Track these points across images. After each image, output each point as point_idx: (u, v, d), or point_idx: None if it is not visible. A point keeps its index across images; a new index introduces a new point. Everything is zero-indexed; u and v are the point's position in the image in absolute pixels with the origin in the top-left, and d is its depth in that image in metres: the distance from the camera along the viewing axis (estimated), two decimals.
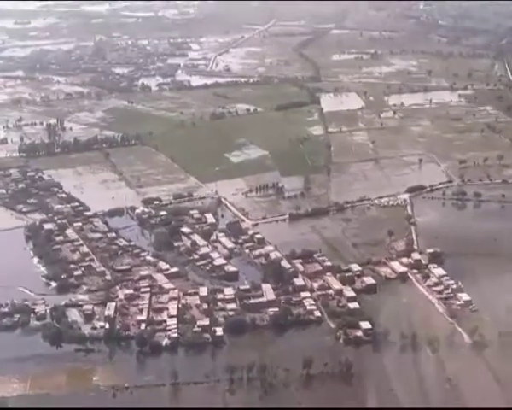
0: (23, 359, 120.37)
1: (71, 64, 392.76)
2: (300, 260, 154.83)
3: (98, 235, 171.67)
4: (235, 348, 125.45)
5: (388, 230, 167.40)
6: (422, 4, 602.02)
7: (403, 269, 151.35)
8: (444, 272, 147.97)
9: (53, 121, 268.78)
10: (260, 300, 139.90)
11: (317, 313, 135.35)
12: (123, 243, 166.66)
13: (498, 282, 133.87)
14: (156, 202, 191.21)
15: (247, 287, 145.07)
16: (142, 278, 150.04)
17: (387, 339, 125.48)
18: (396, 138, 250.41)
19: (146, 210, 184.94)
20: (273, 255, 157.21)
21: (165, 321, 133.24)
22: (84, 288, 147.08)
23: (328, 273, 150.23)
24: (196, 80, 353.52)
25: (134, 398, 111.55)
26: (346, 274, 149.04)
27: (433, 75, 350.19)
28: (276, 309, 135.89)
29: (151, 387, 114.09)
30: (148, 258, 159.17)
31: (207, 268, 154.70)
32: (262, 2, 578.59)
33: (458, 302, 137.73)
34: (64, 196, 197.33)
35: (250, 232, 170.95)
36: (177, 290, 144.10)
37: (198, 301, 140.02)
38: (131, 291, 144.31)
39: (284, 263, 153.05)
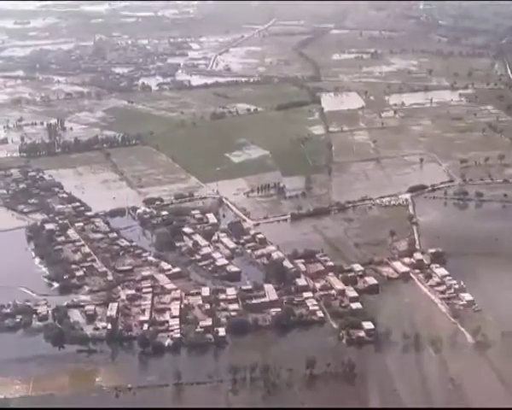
0: (25, 360, 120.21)
1: (71, 64, 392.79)
2: (302, 261, 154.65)
3: (100, 235, 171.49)
4: (237, 348, 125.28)
5: (390, 230, 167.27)
6: (422, 4, 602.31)
7: (405, 269, 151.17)
8: (446, 272, 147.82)
9: (53, 121, 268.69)
10: (262, 300, 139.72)
11: (320, 314, 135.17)
12: (124, 243, 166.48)
13: (501, 281, 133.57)
14: (157, 202, 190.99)
15: (250, 287, 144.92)
16: (144, 278, 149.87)
17: (390, 339, 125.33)
18: (397, 138, 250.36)
19: (147, 210, 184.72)
20: (275, 255, 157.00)
21: (167, 322, 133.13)
22: (86, 288, 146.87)
23: (330, 273, 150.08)
24: (196, 80, 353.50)
25: (137, 399, 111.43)
26: (349, 274, 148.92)
27: (433, 74, 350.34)
28: (279, 309, 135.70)
29: (154, 387, 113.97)
30: (150, 258, 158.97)
31: (209, 268, 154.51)
32: (262, 2, 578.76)
33: (461, 302, 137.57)
34: (65, 196, 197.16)
35: (252, 232, 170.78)
36: (179, 291, 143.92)
37: (200, 302, 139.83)
38: (133, 292, 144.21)
39: (286, 263, 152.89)
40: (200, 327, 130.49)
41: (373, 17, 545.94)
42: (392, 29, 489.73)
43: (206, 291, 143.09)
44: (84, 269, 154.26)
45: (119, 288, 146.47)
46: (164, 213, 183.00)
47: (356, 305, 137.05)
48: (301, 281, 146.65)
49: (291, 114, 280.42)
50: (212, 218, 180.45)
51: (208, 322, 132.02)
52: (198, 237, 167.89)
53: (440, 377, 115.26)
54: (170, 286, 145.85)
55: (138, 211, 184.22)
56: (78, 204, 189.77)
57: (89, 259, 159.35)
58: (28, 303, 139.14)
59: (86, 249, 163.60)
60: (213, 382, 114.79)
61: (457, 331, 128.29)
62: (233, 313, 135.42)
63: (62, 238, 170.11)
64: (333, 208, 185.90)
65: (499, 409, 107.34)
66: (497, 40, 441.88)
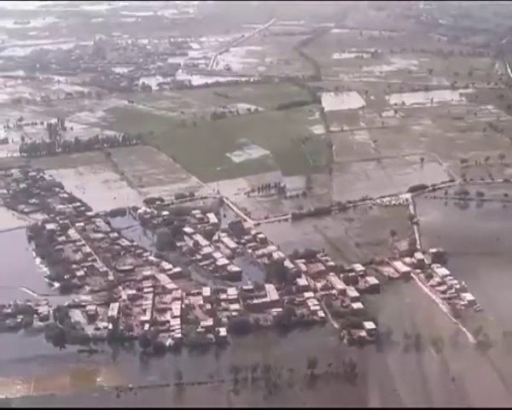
0: (26, 360, 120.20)
1: (71, 64, 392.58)
2: (303, 260, 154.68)
3: (100, 235, 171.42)
4: (238, 348, 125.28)
5: (391, 229, 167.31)
6: (422, 4, 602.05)
7: (406, 269, 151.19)
8: (447, 272, 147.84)
9: (54, 121, 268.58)
10: (264, 300, 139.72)
11: (321, 314, 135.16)
12: (125, 243, 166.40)
13: (502, 281, 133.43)
14: (158, 202, 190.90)
15: (251, 287, 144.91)
16: (145, 278, 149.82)
17: (391, 339, 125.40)
18: (397, 138, 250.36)
19: (148, 210, 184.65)
20: (276, 255, 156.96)
21: (168, 322, 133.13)
22: (87, 288, 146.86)
23: (331, 273, 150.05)
24: (197, 80, 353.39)
25: (138, 399, 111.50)
26: (350, 274, 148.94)
27: (433, 74, 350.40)
28: (280, 309, 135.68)
29: (155, 387, 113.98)
30: (151, 258, 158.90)
31: (210, 268, 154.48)
32: (262, 1, 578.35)
33: (462, 302, 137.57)
34: (66, 196, 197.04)
35: (252, 232, 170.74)
36: (180, 291, 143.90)
37: (201, 302, 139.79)
38: (134, 292, 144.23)
39: (287, 263, 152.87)
40: (202, 327, 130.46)
41: (373, 17, 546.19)
42: (393, 29, 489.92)
43: (207, 291, 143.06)
44: (85, 269, 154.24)
45: (120, 288, 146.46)
46: (164, 212, 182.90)
47: (357, 305, 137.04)
48: (302, 281, 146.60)
49: (291, 114, 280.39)
50: (212, 218, 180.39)
51: (209, 322, 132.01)
52: (199, 237, 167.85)
53: (442, 377, 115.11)
54: (171, 286, 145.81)
55: (139, 211, 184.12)
56: (78, 204, 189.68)
57: (90, 259, 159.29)
58: (29, 303, 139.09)
59: (87, 249, 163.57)
60: (215, 382, 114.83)
61: (459, 331, 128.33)
62: (234, 313, 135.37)
63: (63, 238, 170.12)
64: (334, 208, 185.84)
65: (500, 409, 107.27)
66: (497, 40, 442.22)
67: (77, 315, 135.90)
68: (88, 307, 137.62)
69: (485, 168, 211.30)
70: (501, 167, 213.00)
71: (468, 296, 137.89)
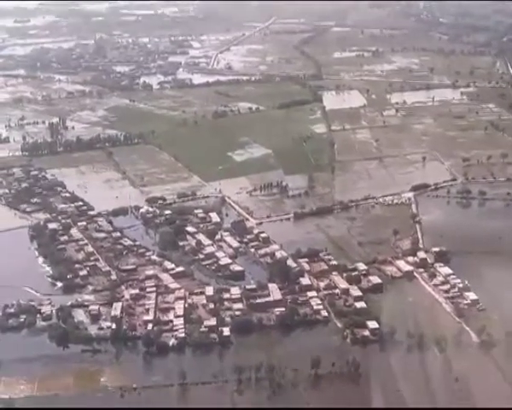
0: (30, 359, 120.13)
1: (72, 62, 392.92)
2: (306, 260, 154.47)
3: (103, 234, 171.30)
4: (242, 348, 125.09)
5: (393, 228, 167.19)
6: (422, 3, 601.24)
7: (409, 268, 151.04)
8: (450, 271, 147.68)
9: (55, 120, 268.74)
10: (267, 299, 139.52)
11: (324, 313, 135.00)
12: (128, 242, 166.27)
13: (505, 280, 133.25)
14: (160, 202, 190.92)
15: (254, 286, 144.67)
16: (148, 277, 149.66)
17: (394, 338, 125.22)
18: (399, 136, 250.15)
19: (150, 209, 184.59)
20: (279, 254, 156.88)
21: (171, 321, 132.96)
22: (90, 288, 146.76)
23: (334, 272, 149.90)
24: (198, 78, 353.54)
25: (142, 399, 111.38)
26: (353, 273, 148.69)
27: (434, 73, 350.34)
28: (283, 309, 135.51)
29: (159, 387, 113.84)
30: (154, 257, 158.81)
31: (213, 268, 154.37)
32: (262, 0, 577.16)
33: (465, 301, 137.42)
34: (68, 195, 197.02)
35: (255, 231, 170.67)
36: (183, 290, 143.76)
37: (204, 301, 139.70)
38: (137, 291, 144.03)
39: (290, 262, 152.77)
40: (205, 327, 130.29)
41: (374, 15, 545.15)
42: (393, 27, 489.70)
43: (210, 290, 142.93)
44: (88, 268, 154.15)
45: (123, 287, 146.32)
46: (167, 212, 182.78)
47: (360, 304, 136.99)
48: (305, 280, 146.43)
49: (293, 113, 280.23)
50: (215, 217, 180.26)
51: (212, 321, 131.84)
52: (201, 236, 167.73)
53: (445, 376, 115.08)
54: (174, 285, 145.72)
55: (141, 210, 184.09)
56: (80, 203, 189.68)
57: (92, 258, 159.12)
58: (32, 303, 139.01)
59: (89, 249, 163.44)
60: (218, 382, 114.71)
61: (462, 331, 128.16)
62: (237, 313, 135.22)
63: (65, 237, 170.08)
64: (336, 207, 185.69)
65: (502, 409, 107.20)
66: (498, 38, 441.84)
67: (80, 315, 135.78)
68: (91, 307, 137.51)
69: (487, 167, 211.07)
70: (503, 166, 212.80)
71: (472, 295, 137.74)
